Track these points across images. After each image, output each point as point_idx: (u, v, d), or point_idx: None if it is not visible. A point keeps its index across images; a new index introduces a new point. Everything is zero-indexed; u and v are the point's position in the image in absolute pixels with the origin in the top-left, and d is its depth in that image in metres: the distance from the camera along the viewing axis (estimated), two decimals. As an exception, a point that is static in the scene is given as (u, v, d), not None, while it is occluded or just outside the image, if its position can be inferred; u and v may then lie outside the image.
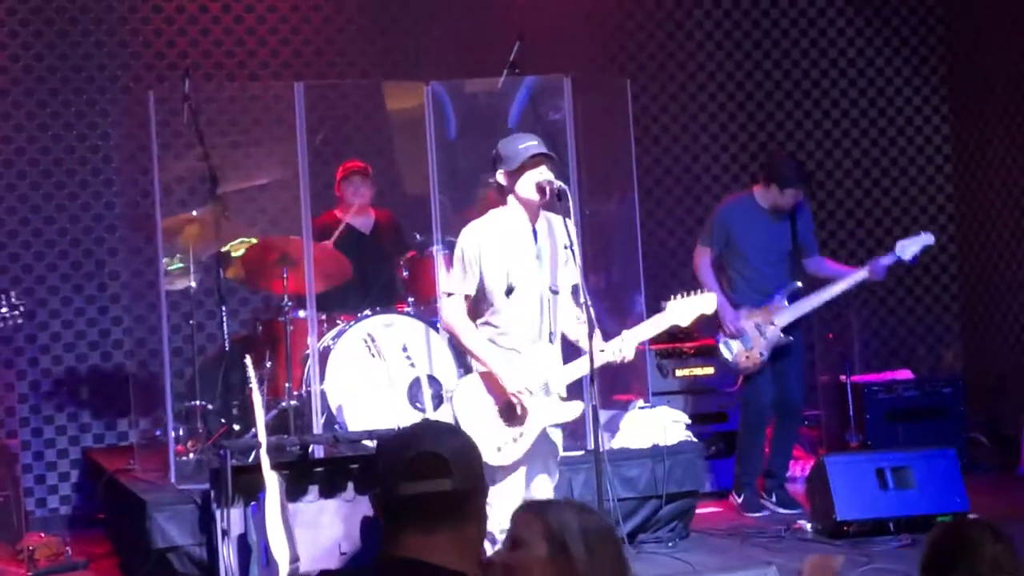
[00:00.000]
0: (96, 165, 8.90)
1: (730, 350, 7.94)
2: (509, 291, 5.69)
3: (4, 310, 7.20)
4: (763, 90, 10.22)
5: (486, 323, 5.77)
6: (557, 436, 5.91)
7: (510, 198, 5.77)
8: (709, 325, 8.41)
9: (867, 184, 10.41)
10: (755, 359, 7.89)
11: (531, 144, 5.71)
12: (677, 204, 10.00)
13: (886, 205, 10.39)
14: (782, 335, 7.88)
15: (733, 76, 10.16)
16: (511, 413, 5.71)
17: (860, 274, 7.92)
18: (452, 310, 5.76)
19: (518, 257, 5.73)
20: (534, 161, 5.67)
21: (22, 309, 7.25)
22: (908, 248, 7.92)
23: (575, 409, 5.87)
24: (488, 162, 5.89)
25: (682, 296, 5.94)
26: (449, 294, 5.82)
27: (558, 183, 5.69)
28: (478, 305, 5.80)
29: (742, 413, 8.11)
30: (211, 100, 8.57)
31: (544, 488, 5.89)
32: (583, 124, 7.61)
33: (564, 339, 5.92)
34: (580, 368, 5.85)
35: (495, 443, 5.70)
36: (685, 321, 5.95)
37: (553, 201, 5.73)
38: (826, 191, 10.28)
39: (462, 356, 6.30)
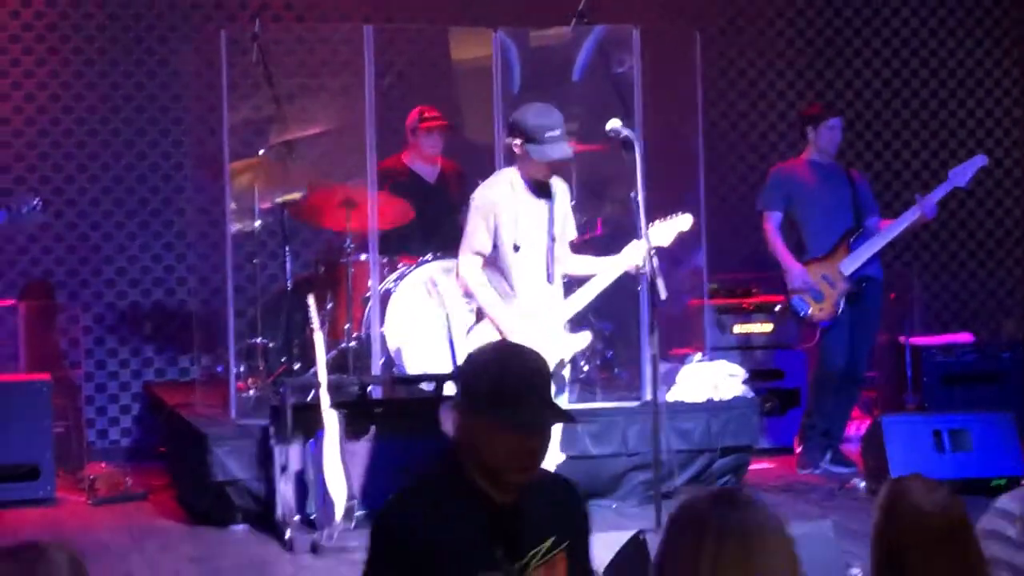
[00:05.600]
0: (165, 103, 8.97)
1: (804, 306, 7.94)
2: (516, 248, 5.88)
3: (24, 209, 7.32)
4: (833, 47, 10.14)
5: (496, 269, 5.96)
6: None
7: (517, 160, 5.90)
8: (770, 282, 8.43)
9: (934, 145, 10.32)
10: (829, 310, 7.91)
11: (555, 135, 5.76)
12: (740, 160, 9.96)
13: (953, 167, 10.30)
14: (851, 284, 7.89)
15: (803, 33, 10.08)
16: None
17: (913, 212, 7.91)
18: (468, 269, 5.93)
19: (525, 213, 5.91)
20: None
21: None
22: (962, 173, 7.90)
23: (583, 340, 6.07)
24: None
25: (659, 221, 6.14)
26: (467, 253, 5.95)
27: (625, 131, 5.73)
28: (489, 259, 5.98)
29: (817, 365, 8.08)
30: (279, 42, 8.60)
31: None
32: (650, 76, 7.59)
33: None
34: (590, 291, 6.04)
35: None
36: (665, 241, 6.12)
37: (618, 150, 5.80)
38: (892, 151, 10.21)
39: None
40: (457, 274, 6.04)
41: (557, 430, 5.85)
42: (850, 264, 7.91)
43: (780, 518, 2.45)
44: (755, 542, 2.37)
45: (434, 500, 3.00)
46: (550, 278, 6.02)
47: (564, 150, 5.78)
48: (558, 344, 5.93)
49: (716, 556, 2.35)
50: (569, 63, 7.95)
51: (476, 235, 5.91)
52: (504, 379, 2.95)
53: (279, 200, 7.87)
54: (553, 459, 5.82)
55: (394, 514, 3.06)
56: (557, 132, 5.74)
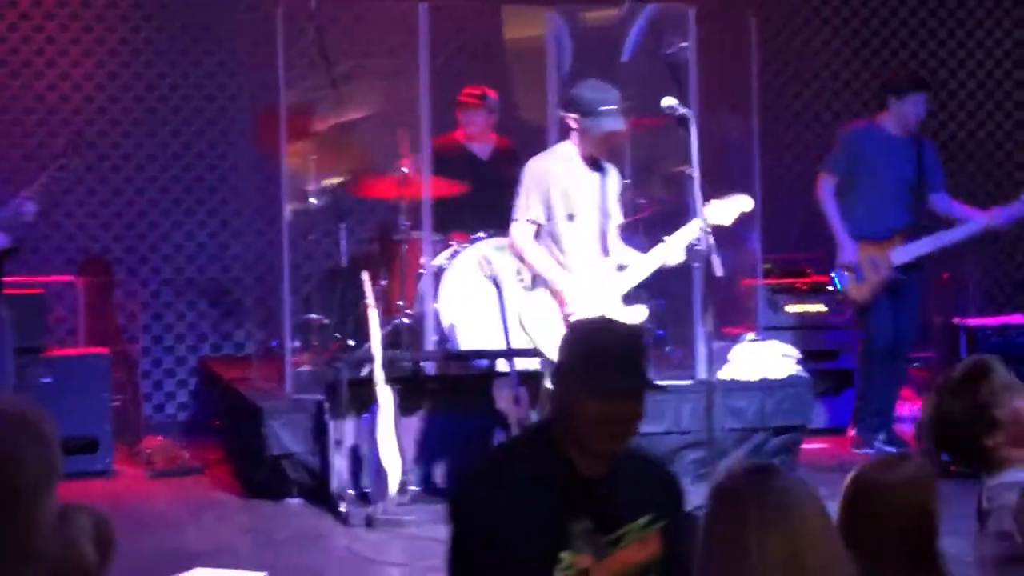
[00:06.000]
0: (222, 80, 9.04)
1: (843, 281, 7.91)
2: (570, 217, 6.05)
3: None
4: (888, 27, 10.07)
5: (551, 241, 6.11)
6: None
7: (574, 135, 6.08)
8: (824, 263, 8.39)
9: (990, 126, 10.24)
10: (865, 293, 7.87)
11: (611, 109, 5.94)
12: (796, 140, 9.91)
13: (1008, 148, 10.22)
14: (897, 273, 7.84)
15: (858, 12, 10.02)
16: None
17: (981, 224, 7.85)
18: (520, 234, 6.13)
19: (580, 187, 6.07)
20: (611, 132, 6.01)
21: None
22: None
23: (639, 314, 6.19)
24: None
25: (718, 200, 6.19)
26: (518, 220, 6.13)
27: (681, 109, 5.78)
28: (544, 228, 6.12)
29: (862, 347, 8.08)
30: (335, 20, 8.63)
31: None
32: (702, 56, 7.57)
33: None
34: (635, 275, 6.16)
35: None
36: (727, 221, 6.21)
37: (674, 127, 5.86)
38: (948, 132, 10.13)
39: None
40: (511, 243, 6.16)
41: None
42: (901, 255, 7.85)
43: (812, 487, 2.52)
44: (795, 513, 2.45)
45: (514, 470, 2.99)
46: (605, 251, 6.14)
47: (618, 123, 5.96)
48: (614, 315, 6.00)
49: (761, 532, 2.41)
50: (620, 43, 7.94)
51: (527, 203, 6.06)
52: (599, 346, 2.98)
53: (324, 183, 7.93)
54: None
55: (471, 484, 3.07)
56: (613, 107, 5.90)
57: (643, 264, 6.16)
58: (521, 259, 6.27)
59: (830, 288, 7.99)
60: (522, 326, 6.18)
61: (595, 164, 6.14)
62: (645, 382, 3.02)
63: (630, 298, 6.35)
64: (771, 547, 2.40)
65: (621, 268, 6.24)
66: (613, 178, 6.24)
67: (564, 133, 6.27)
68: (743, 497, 2.46)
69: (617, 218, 6.30)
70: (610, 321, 3.17)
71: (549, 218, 6.09)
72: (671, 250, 6.08)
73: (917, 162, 7.90)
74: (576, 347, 3.02)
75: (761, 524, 2.42)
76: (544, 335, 6.01)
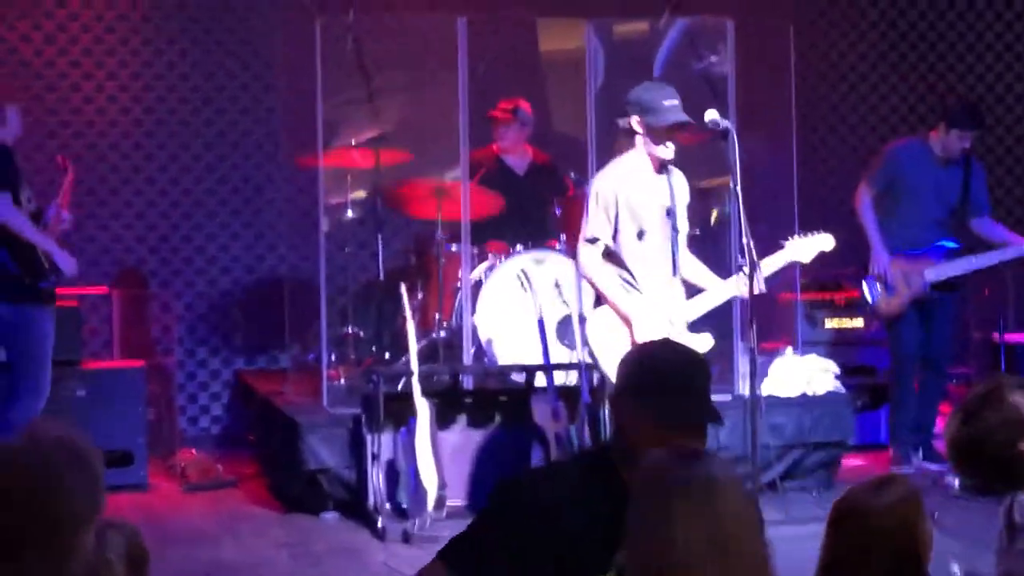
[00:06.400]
0: (258, 92, 9.03)
1: (873, 292, 7.84)
2: (640, 235, 5.90)
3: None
4: (926, 41, 10.00)
5: (620, 263, 5.95)
6: None
7: (638, 140, 5.92)
8: (861, 278, 8.32)
9: (1020, 131, 10.16)
10: (894, 307, 7.80)
11: (674, 104, 5.83)
12: (831, 154, 9.85)
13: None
14: (928, 291, 7.76)
15: (896, 25, 9.96)
16: None
17: (1022, 250, 7.79)
18: (590, 257, 5.95)
19: (648, 199, 5.93)
20: (676, 127, 5.85)
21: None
22: None
23: (705, 342, 5.98)
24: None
25: (800, 236, 6.21)
26: (588, 240, 5.96)
27: (724, 122, 5.73)
28: (612, 248, 5.98)
29: (891, 362, 8.01)
30: (371, 33, 8.60)
31: None
32: (739, 68, 7.52)
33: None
34: (706, 303, 6.04)
35: None
36: (806, 258, 6.22)
37: (717, 139, 5.79)
38: (986, 146, 10.05)
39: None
40: (579, 265, 6.05)
41: None
42: (935, 273, 7.78)
43: (737, 473, 2.51)
44: (720, 499, 2.41)
45: (559, 485, 2.93)
46: (675, 270, 6.01)
47: (682, 114, 5.83)
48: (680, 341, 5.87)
49: (686, 521, 2.38)
50: (653, 56, 7.90)
51: (594, 222, 5.92)
52: (659, 370, 2.91)
53: (355, 195, 7.92)
54: None
55: (525, 482, 3.01)
56: (675, 101, 5.81)
57: (716, 292, 6.02)
58: (591, 282, 6.07)
59: (864, 288, 7.90)
60: (586, 341, 6.06)
61: (663, 172, 6.00)
62: (707, 414, 2.91)
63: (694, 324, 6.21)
64: (696, 535, 2.36)
65: (691, 290, 6.09)
66: (682, 186, 6.08)
67: (626, 144, 6.10)
68: (667, 486, 2.43)
69: (686, 229, 6.15)
70: (673, 345, 3.09)
71: (617, 237, 5.94)
72: (722, 295, 5.94)
73: (963, 185, 7.83)
74: (635, 370, 2.96)
75: (686, 513, 2.38)
76: (608, 353, 5.88)
